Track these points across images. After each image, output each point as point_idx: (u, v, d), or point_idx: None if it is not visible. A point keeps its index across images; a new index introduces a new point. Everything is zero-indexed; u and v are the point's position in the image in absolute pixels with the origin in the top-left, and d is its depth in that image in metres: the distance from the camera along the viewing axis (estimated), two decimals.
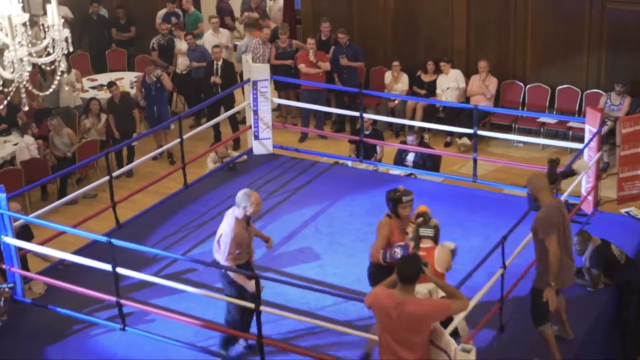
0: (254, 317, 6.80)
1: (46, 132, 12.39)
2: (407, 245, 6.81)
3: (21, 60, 5.78)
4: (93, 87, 14.09)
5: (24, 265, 8.50)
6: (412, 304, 5.72)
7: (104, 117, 12.75)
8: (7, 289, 7.71)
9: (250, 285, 6.78)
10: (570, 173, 7.96)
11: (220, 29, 14.47)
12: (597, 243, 7.80)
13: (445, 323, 6.12)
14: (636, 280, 7.85)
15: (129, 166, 10.81)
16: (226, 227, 6.87)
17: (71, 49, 6.11)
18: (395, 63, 13.25)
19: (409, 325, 5.71)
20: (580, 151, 8.80)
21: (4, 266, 7.94)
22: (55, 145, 12.12)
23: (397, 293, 5.77)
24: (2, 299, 7.65)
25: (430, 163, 10.69)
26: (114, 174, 9.30)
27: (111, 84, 12.92)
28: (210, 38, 14.27)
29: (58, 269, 8.46)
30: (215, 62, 13.28)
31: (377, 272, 6.88)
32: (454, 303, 5.80)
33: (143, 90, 12.85)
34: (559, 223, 6.75)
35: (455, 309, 5.84)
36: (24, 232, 8.53)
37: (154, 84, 12.64)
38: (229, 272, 6.89)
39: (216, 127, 13.19)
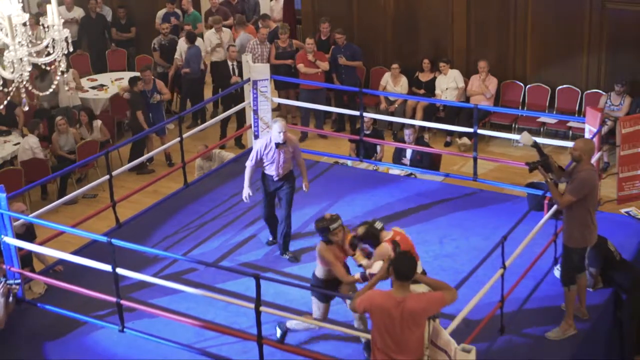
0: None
1: (46, 132, 12.38)
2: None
3: (21, 60, 5.79)
4: (93, 87, 14.08)
5: (29, 264, 8.52)
6: (412, 300, 5.75)
7: (96, 122, 12.63)
8: (14, 285, 7.70)
9: (245, 192, 8.56)
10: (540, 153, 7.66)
11: (223, 28, 14.47)
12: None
13: None
14: (628, 279, 7.84)
15: (127, 166, 10.79)
16: (257, 142, 8.54)
17: (71, 49, 6.12)
18: (395, 65, 13.24)
19: (411, 321, 5.73)
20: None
21: (4, 266, 7.94)
22: (59, 145, 12.09)
23: (395, 292, 5.79)
24: (11, 294, 7.65)
25: (427, 160, 10.69)
26: (113, 173, 9.28)
27: (135, 80, 12.56)
28: (212, 37, 14.26)
29: (50, 272, 8.45)
30: (230, 62, 13.32)
31: (327, 287, 7.01)
32: (446, 294, 5.86)
33: (140, 94, 12.73)
34: (592, 189, 7.08)
35: (449, 300, 5.89)
36: (28, 232, 8.55)
37: (150, 91, 12.55)
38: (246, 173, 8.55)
39: (223, 126, 13.24)
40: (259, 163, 8.44)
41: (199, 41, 14.12)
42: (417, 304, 5.75)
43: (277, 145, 8.27)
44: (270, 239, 8.83)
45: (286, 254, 8.63)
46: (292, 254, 8.63)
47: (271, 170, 8.43)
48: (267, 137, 8.38)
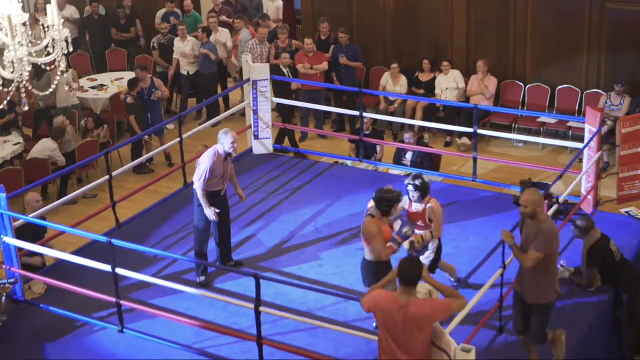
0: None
1: (46, 132, 12.37)
2: (405, 221, 7.14)
3: (21, 60, 5.79)
4: (93, 87, 14.07)
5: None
6: (415, 306, 5.70)
7: (102, 129, 12.60)
8: (7, 285, 7.70)
9: (210, 212, 7.99)
10: (548, 196, 7.84)
11: (220, 28, 14.47)
12: (598, 236, 7.77)
13: None
14: (628, 280, 7.83)
15: (128, 166, 10.82)
16: (205, 157, 8.03)
17: (71, 49, 6.12)
18: (394, 65, 13.25)
19: (414, 327, 5.70)
20: (568, 166, 8.67)
21: (4, 266, 7.94)
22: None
23: (399, 296, 5.75)
24: (4, 295, 7.64)
25: (428, 162, 10.69)
26: (113, 174, 9.29)
27: (134, 82, 12.37)
28: (210, 36, 14.27)
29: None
30: (284, 69, 13.28)
31: (380, 271, 6.86)
32: (454, 302, 5.80)
33: (137, 95, 12.62)
34: (556, 239, 6.68)
35: (456, 308, 5.85)
36: (38, 229, 8.62)
37: (148, 89, 12.48)
38: (198, 196, 8.04)
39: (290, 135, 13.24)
40: (207, 182, 7.99)
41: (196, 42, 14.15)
42: (421, 310, 5.69)
43: (227, 156, 8.08)
44: (203, 279, 8.20)
45: (231, 262, 8.49)
46: (236, 262, 8.53)
47: (219, 186, 8.10)
48: (212, 152, 8.03)
